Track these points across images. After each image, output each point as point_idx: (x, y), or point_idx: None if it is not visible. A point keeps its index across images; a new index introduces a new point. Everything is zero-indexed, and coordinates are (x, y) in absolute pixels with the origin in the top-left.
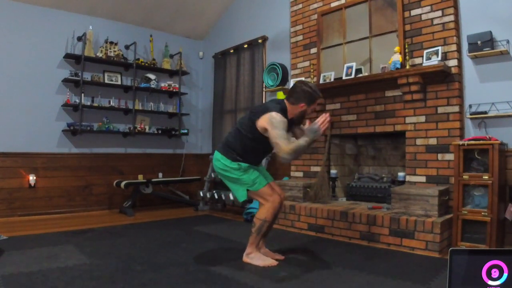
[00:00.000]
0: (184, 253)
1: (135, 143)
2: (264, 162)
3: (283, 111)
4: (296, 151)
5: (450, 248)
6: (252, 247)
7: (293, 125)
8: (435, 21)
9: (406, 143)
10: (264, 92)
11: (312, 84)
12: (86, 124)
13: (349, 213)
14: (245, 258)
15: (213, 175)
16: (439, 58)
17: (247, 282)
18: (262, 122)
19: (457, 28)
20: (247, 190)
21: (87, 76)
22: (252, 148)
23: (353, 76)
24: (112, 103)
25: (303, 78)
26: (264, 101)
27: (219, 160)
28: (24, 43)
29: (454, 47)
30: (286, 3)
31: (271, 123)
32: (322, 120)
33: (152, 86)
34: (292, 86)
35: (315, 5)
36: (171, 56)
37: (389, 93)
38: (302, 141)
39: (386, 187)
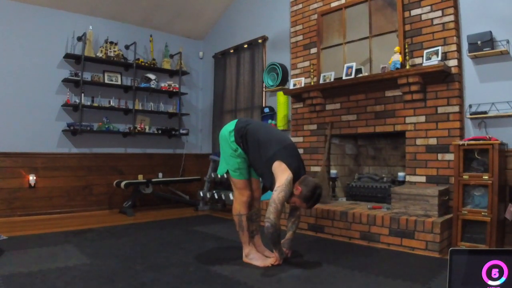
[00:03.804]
0: (184, 253)
1: (135, 143)
2: None
3: (295, 178)
4: (274, 229)
5: (450, 248)
6: (246, 245)
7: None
8: (435, 21)
9: (406, 143)
10: (264, 92)
11: (319, 196)
12: (86, 124)
13: (349, 213)
14: (245, 259)
15: (213, 175)
16: (439, 58)
17: (247, 282)
18: (280, 173)
19: (457, 28)
20: (228, 171)
21: (87, 76)
22: (256, 161)
23: (353, 76)
24: (112, 103)
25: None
26: (264, 101)
27: (228, 131)
28: (24, 43)
29: (454, 47)
30: (286, 3)
31: (284, 185)
32: (277, 262)
33: (152, 86)
34: (314, 182)
35: (315, 5)
36: (171, 56)
37: (389, 93)
38: (277, 240)
39: (386, 187)
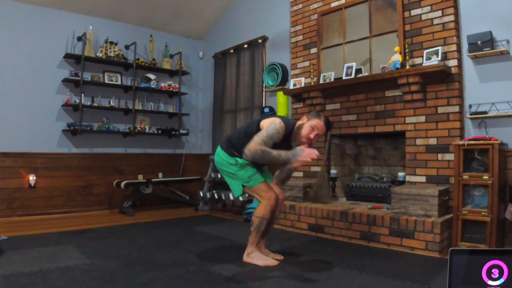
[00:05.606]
0: (184, 253)
1: (135, 143)
2: None
3: (287, 128)
4: (260, 155)
5: (450, 248)
6: (252, 246)
7: (289, 144)
8: (435, 21)
9: (406, 143)
10: (264, 92)
11: (327, 118)
12: (86, 124)
13: (349, 213)
14: (246, 258)
15: (213, 175)
16: (439, 58)
17: (247, 282)
18: (265, 122)
19: (457, 28)
20: (244, 186)
21: (87, 76)
22: None
23: (353, 76)
24: (112, 103)
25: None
26: (264, 101)
27: (219, 155)
28: (24, 43)
29: (454, 47)
30: (286, 3)
31: (268, 126)
32: (309, 153)
33: (152, 86)
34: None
35: (315, 5)
36: (171, 56)
37: (389, 93)
38: (275, 152)
39: (386, 187)
